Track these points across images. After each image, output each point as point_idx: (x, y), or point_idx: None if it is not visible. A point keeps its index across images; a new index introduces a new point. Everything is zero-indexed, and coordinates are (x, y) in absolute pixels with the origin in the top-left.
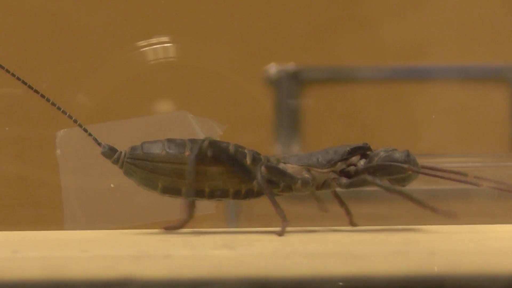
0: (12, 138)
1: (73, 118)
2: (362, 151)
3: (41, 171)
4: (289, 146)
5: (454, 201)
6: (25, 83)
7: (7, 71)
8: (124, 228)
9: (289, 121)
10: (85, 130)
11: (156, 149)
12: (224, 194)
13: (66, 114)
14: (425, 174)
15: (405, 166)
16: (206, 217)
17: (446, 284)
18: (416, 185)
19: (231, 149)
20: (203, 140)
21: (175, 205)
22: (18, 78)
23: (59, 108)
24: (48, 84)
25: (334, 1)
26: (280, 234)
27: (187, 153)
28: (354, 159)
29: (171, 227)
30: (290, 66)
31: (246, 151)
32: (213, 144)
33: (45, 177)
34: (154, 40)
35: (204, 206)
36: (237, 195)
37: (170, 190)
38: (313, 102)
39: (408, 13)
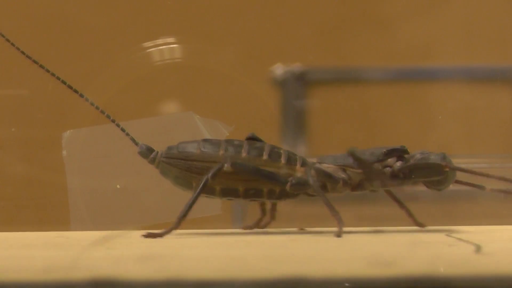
0: (18, 139)
1: (111, 118)
2: (399, 153)
3: (47, 172)
4: (295, 147)
5: (461, 202)
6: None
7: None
8: (130, 229)
9: (295, 122)
10: (123, 130)
11: (191, 148)
12: (258, 194)
13: (98, 109)
14: (462, 170)
15: (442, 163)
16: (212, 218)
17: (452, 285)
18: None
19: (266, 149)
20: (223, 164)
21: (180, 206)
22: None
23: (92, 104)
24: (54, 85)
25: (340, 2)
26: (338, 235)
27: (221, 152)
28: (390, 161)
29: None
30: (297, 66)
31: (281, 151)
32: (234, 165)
33: (51, 178)
34: (160, 41)
35: (211, 207)
36: (271, 195)
37: (204, 190)
38: (319, 103)
39: (416, 15)
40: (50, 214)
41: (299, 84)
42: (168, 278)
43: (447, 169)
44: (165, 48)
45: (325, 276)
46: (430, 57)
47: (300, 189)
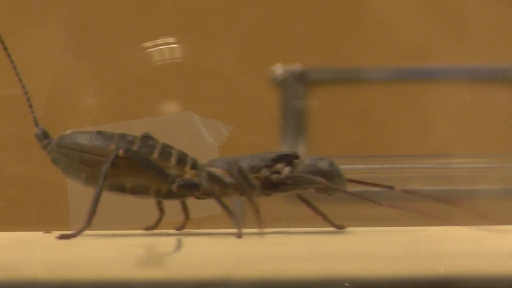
0: (18, 139)
1: (19, 79)
2: (288, 159)
3: (47, 172)
4: (295, 147)
5: (460, 202)
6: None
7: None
8: (130, 229)
9: (295, 122)
10: (30, 106)
11: (83, 140)
12: (145, 191)
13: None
14: (338, 190)
15: (317, 179)
16: (212, 218)
17: (452, 285)
18: (422, 186)
19: (158, 147)
20: (118, 148)
21: (179, 207)
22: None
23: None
24: (54, 85)
25: (340, 2)
26: (239, 235)
27: (112, 146)
28: (279, 166)
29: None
30: (296, 66)
31: (173, 151)
32: (128, 152)
33: (51, 178)
34: (160, 41)
35: (210, 207)
36: (158, 194)
37: (93, 182)
38: (319, 103)
39: (415, 14)
40: (50, 214)
41: (299, 84)
42: (168, 278)
43: (321, 185)
44: (165, 48)
45: (326, 275)
46: (430, 57)
47: (187, 190)
